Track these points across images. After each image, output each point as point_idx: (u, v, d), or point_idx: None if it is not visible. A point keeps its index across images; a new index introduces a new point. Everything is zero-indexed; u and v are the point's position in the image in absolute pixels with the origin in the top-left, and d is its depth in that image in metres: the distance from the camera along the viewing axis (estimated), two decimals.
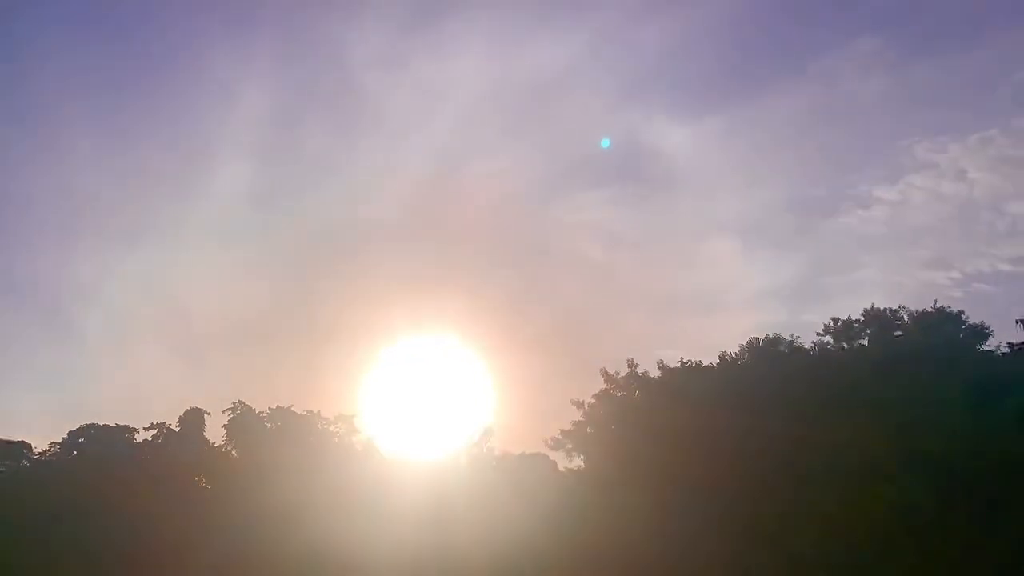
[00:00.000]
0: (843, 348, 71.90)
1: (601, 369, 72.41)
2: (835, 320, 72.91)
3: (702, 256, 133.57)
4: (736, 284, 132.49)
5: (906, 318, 71.60)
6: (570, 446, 73.17)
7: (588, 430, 72.13)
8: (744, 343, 71.40)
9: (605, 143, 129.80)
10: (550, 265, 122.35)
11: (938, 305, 70.55)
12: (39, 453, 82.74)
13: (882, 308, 72.56)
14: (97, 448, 79.93)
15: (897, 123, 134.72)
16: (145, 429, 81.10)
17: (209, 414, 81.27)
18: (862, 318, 72.52)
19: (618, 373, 71.66)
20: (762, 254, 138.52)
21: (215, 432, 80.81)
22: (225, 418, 79.91)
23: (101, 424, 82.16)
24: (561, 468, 75.44)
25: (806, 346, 71.07)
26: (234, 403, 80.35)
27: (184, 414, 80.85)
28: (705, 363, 70.71)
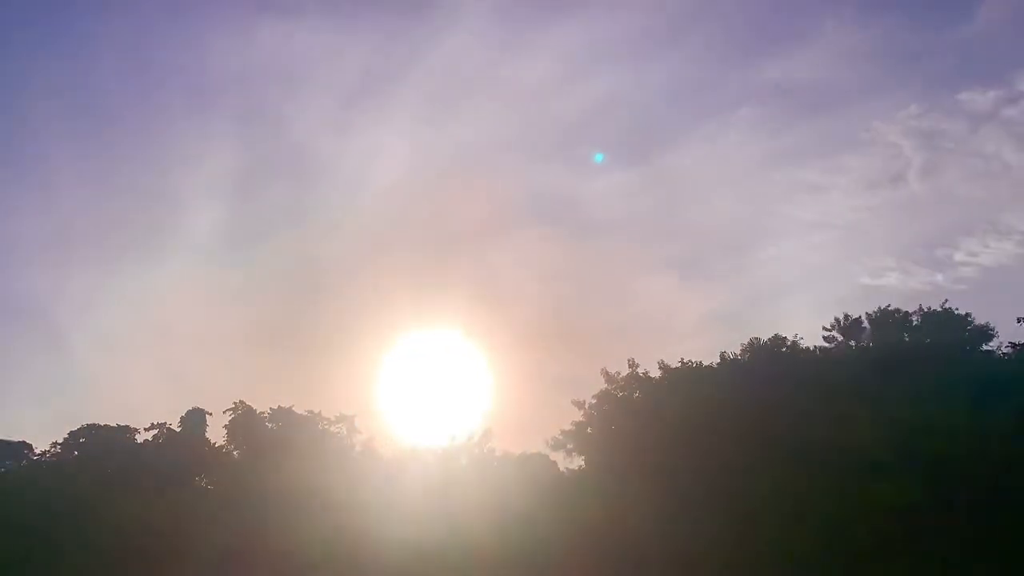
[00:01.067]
0: (846, 347, 71.73)
1: (602, 369, 72.40)
2: (839, 319, 72.78)
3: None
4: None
5: (915, 319, 71.45)
6: (570, 446, 73.04)
7: (589, 430, 71.99)
8: (745, 343, 71.37)
9: (599, 158, 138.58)
10: (494, 298, 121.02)
11: (945, 306, 70.51)
12: (40, 453, 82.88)
13: (888, 308, 72.45)
14: (98, 448, 79.96)
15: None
16: (146, 429, 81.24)
17: (211, 414, 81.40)
18: (863, 318, 72.40)
19: (619, 373, 71.61)
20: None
21: (216, 432, 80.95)
22: (226, 418, 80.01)
23: (102, 424, 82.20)
24: (562, 468, 75.37)
25: (808, 346, 71.01)
26: (235, 403, 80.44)
27: (185, 414, 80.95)
28: (706, 363, 70.64)
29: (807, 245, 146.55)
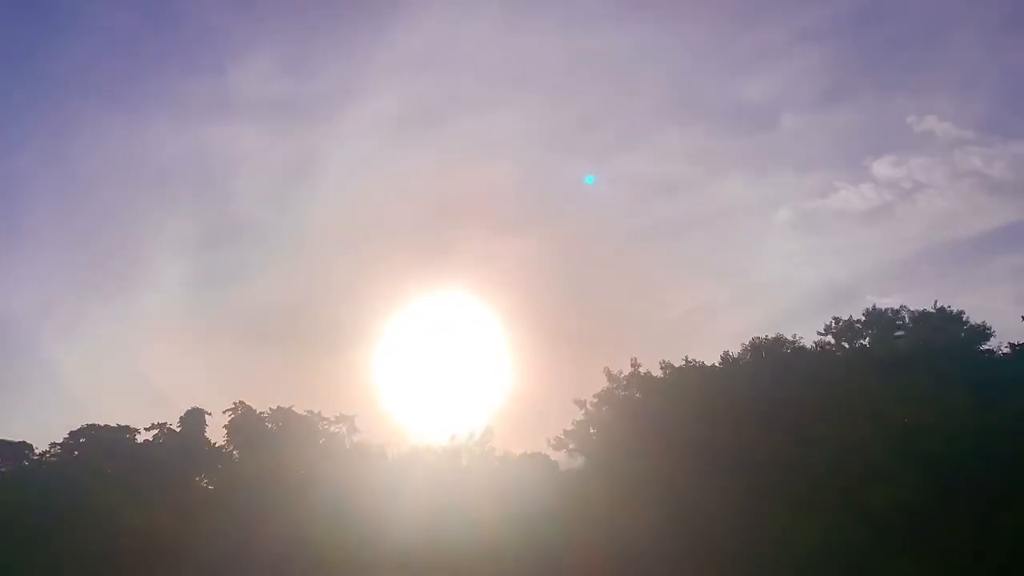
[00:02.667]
0: (845, 348, 71.81)
1: (604, 368, 72.35)
2: (836, 320, 72.68)
3: None
4: None
5: (907, 318, 71.50)
6: (572, 446, 73.05)
7: (590, 430, 72.04)
8: (747, 343, 71.41)
9: (590, 179, 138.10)
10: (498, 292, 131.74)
11: (939, 305, 70.65)
12: (40, 454, 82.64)
13: (883, 308, 72.50)
14: (98, 448, 79.76)
15: None
16: (146, 429, 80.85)
17: (210, 414, 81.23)
18: (863, 318, 72.43)
19: (621, 372, 71.60)
20: None
21: (216, 432, 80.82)
22: (226, 418, 79.90)
23: (102, 424, 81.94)
24: (563, 468, 75.42)
25: (808, 346, 71.06)
26: (235, 403, 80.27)
27: (185, 414, 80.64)
28: (707, 363, 70.65)
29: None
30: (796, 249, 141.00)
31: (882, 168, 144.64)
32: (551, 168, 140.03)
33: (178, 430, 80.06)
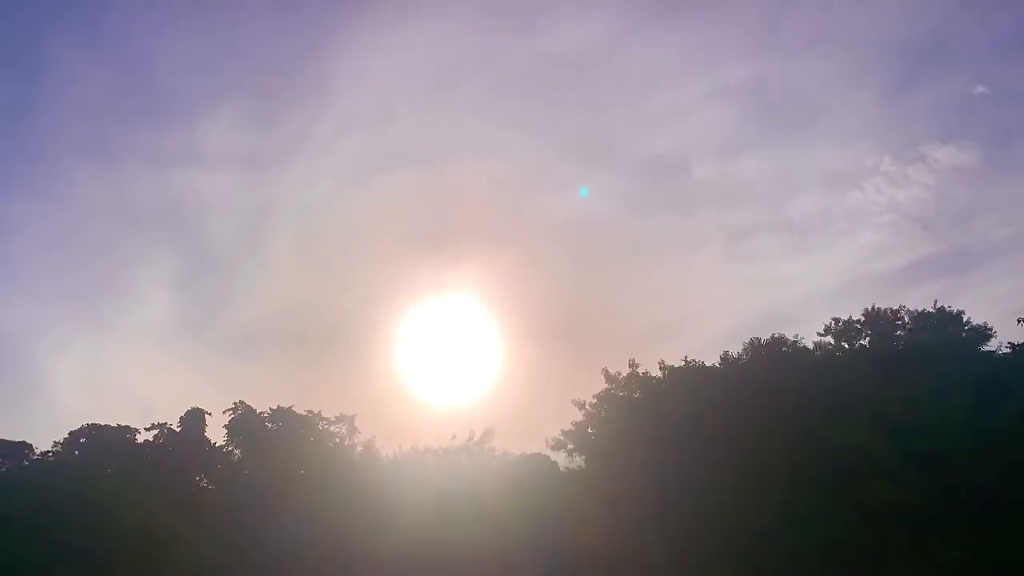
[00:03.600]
0: (844, 348, 71.75)
1: (603, 369, 72.30)
2: (836, 320, 72.64)
3: None
4: None
5: (907, 318, 71.45)
6: (571, 446, 72.98)
7: (589, 430, 71.97)
8: (747, 342, 71.32)
9: (584, 192, 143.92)
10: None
11: (938, 306, 70.60)
12: (41, 453, 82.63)
13: (883, 308, 72.41)
14: (98, 448, 79.73)
15: None
16: (146, 429, 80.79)
17: (210, 414, 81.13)
18: (863, 318, 72.37)
19: (619, 373, 71.51)
20: None
21: (216, 432, 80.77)
22: (226, 418, 79.80)
23: (102, 424, 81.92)
24: (562, 468, 75.36)
25: (808, 346, 71.00)
26: (235, 403, 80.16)
27: (185, 414, 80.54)
28: (707, 363, 70.55)
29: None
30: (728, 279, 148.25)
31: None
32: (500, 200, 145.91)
33: (178, 430, 79.96)
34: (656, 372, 70.98)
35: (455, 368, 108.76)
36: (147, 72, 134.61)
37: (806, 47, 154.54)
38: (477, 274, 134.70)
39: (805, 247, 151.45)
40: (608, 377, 71.77)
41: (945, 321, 69.68)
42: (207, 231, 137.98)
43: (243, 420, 79.40)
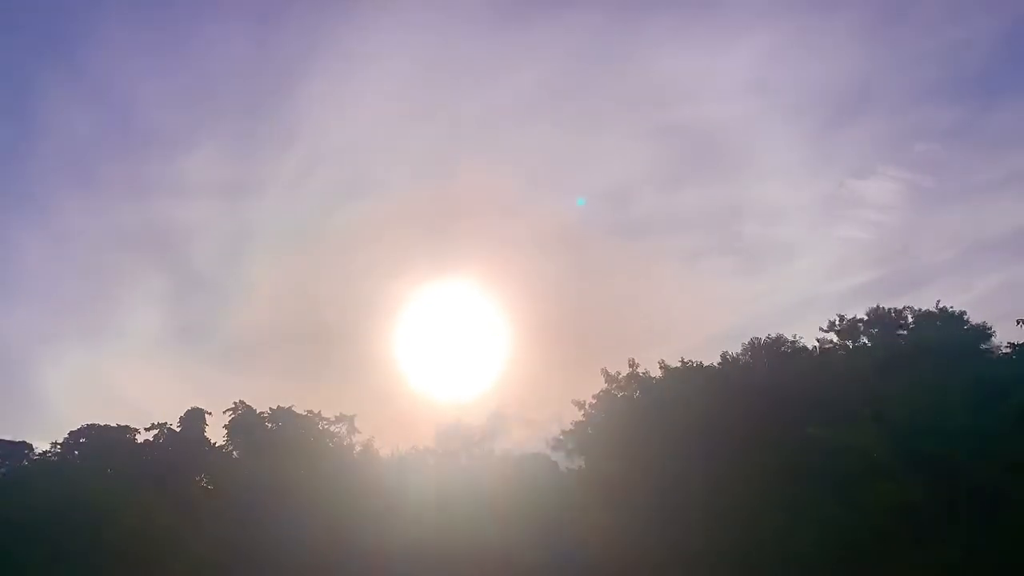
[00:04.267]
0: (845, 347, 71.61)
1: (602, 369, 72.17)
2: (839, 318, 72.48)
3: None
4: None
5: (910, 317, 71.33)
6: (571, 447, 72.94)
7: (589, 430, 71.89)
8: (746, 342, 71.19)
9: (580, 201, 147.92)
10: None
11: (940, 305, 70.48)
12: (40, 454, 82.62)
13: (887, 308, 72.29)
14: (98, 448, 79.71)
15: None
16: (146, 429, 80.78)
17: (210, 414, 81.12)
18: (867, 317, 72.21)
19: (619, 373, 71.40)
20: None
21: (216, 432, 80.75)
22: (226, 418, 79.79)
23: (102, 424, 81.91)
24: (562, 468, 75.34)
25: (808, 346, 70.89)
26: (235, 403, 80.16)
27: (185, 414, 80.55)
28: (706, 363, 70.41)
29: None
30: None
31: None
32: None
33: (178, 430, 79.97)
34: (656, 372, 70.98)
35: (453, 367, 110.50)
36: (129, 110, 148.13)
37: (743, 90, 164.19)
38: (475, 273, 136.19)
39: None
40: (608, 377, 71.69)
41: (947, 321, 69.54)
42: (192, 253, 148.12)
43: (243, 420, 79.40)
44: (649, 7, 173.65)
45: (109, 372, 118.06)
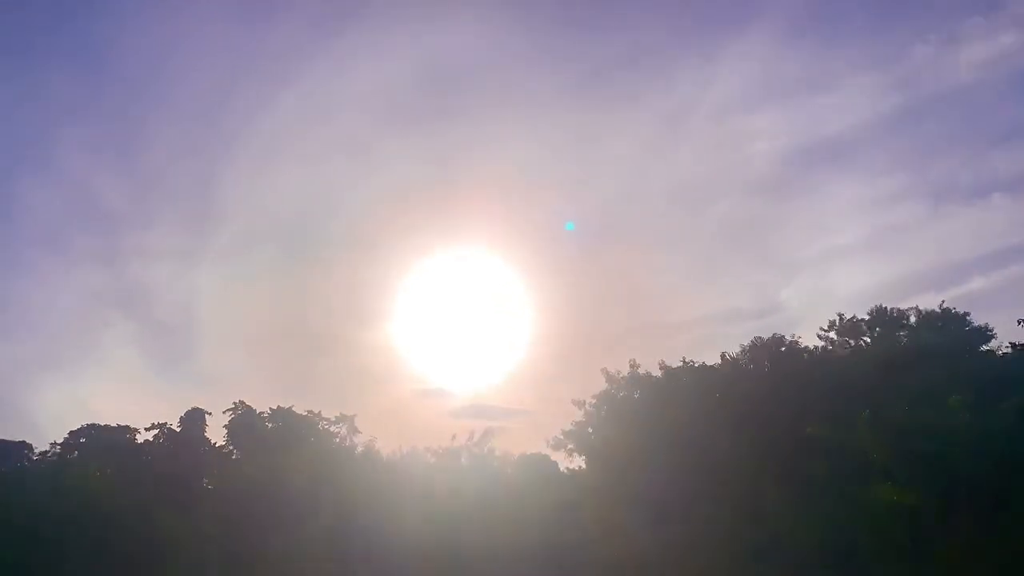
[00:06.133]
0: (846, 347, 71.44)
1: (602, 369, 72.17)
2: (840, 317, 72.27)
3: None
4: None
5: (912, 317, 71.15)
6: (571, 446, 72.93)
7: (589, 430, 71.89)
8: (746, 343, 71.01)
9: (569, 226, 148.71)
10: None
11: (944, 306, 70.31)
12: (40, 454, 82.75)
13: (889, 308, 72.09)
14: (98, 448, 79.78)
15: None
16: (146, 429, 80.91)
17: (210, 414, 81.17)
18: (867, 317, 72.02)
19: (619, 372, 71.40)
20: None
21: (216, 432, 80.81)
22: (226, 418, 79.85)
23: (102, 424, 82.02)
24: (562, 468, 75.43)
25: (809, 346, 70.71)
26: (235, 403, 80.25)
27: (185, 414, 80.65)
28: (707, 363, 70.25)
29: None
30: None
31: None
32: None
33: (178, 430, 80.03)
34: (656, 372, 70.90)
35: (450, 368, 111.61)
36: (97, 194, 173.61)
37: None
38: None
39: None
40: (608, 377, 71.69)
41: (949, 321, 69.37)
42: (162, 303, 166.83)
43: (243, 420, 79.50)
44: None
45: (92, 393, 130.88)
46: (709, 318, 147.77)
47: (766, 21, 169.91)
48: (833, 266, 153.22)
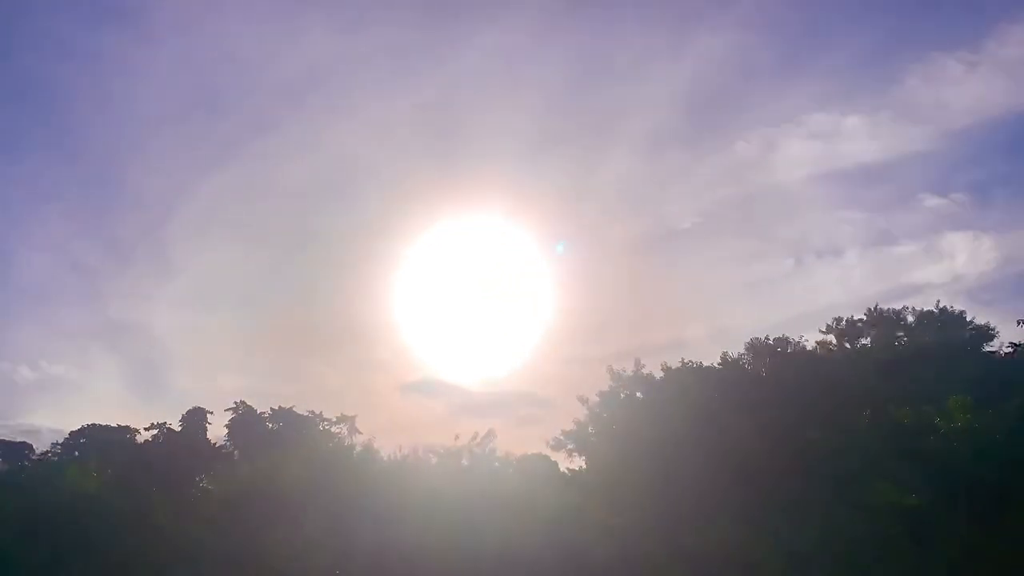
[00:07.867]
0: (846, 347, 71.53)
1: (607, 367, 72.02)
2: (838, 320, 72.40)
3: None
4: None
5: (910, 318, 71.24)
6: (572, 447, 72.84)
7: (590, 430, 71.81)
8: (747, 343, 70.97)
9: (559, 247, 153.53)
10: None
11: (941, 306, 70.40)
12: (40, 454, 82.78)
13: (885, 308, 72.21)
14: (98, 448, 79.86)
15: None
16: (146, 429, 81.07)
17: (211, 413, 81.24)
18: (865, 318, 72.12)
19: (624, 371, 71.27)
20: None
21: (216, 432, 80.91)
22: (226, 418, 79.93)
23: (102, 424, 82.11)
24: (562, 469, 75.30)
25: (809, 347, 70.75)
26: (235, 403, 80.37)
27: (185, 414, 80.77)
28: (707, 364, 70.20)
29: None
30: None
31: None
32: None
33: (178, 430, 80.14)
34: (658, 372, 70.79)
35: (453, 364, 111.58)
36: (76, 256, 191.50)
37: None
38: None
39: None
40: (613, 375, 71.55)
41: (947, 321, 69.47)
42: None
43: (243, 420, 79.63)
44: None
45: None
46: None
47: None
48: None
